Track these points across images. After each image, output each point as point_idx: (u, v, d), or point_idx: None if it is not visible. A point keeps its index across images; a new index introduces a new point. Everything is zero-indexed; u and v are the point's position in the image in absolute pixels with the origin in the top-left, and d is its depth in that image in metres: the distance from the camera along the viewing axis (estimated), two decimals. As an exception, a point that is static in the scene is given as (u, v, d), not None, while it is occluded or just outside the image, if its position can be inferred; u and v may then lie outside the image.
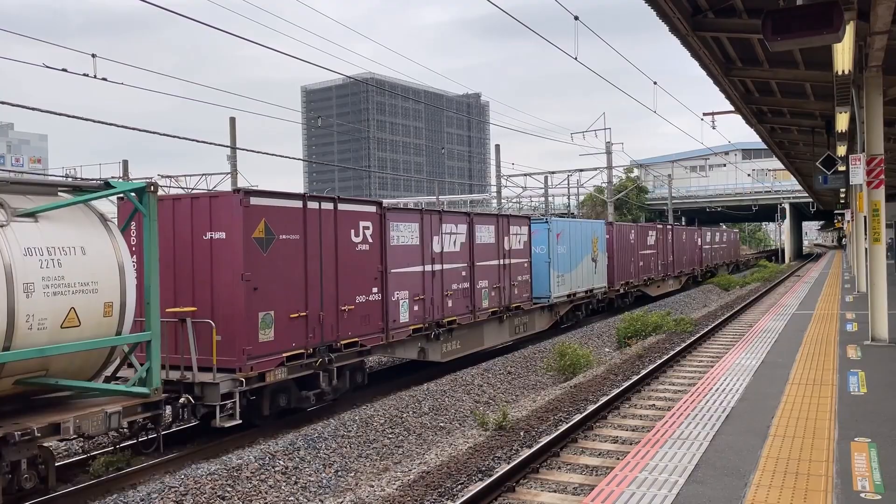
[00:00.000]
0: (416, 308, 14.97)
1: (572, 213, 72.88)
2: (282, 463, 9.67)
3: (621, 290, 28.42)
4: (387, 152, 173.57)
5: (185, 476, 8.91)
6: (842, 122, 15.23)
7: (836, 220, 60.42)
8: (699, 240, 42.67)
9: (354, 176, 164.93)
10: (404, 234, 14.68)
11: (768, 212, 70.71)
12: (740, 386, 9.95)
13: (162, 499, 8.25)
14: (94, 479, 9.54)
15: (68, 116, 14.73)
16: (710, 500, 5.64)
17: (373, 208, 13.75)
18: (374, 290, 13.75)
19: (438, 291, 15.73)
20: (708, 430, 7.69)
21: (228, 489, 8.77)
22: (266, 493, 8.97)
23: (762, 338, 14.62)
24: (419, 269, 15.16)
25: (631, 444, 9.66)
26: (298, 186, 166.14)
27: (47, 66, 13.45)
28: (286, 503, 8.89)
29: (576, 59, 14.24)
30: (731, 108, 18.46)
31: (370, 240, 13.60)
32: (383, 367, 17.79)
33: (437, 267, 15.77)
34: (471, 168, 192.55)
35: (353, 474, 9.98)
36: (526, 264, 19.97)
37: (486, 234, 17.83)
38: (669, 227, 36.30)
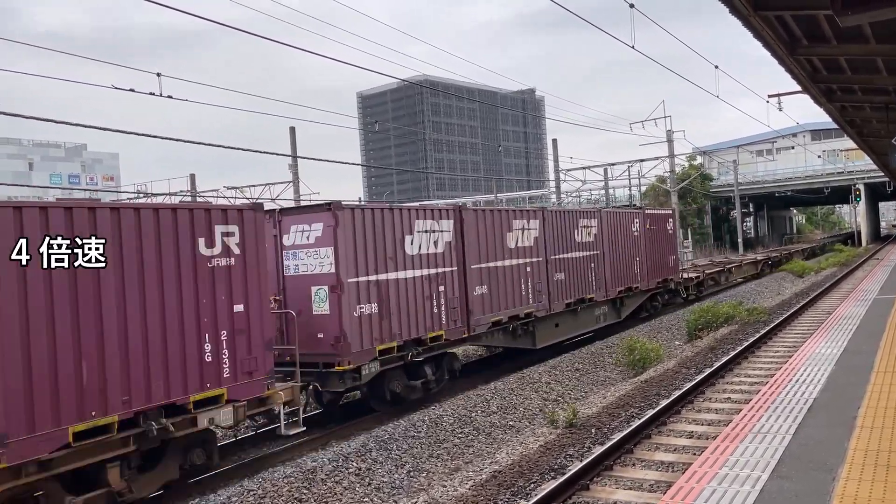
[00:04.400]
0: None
1: (635, 204, 71.73)
2: (355, 464, 9.79)
3: None
4: (443, 153, 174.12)
5: (262, 479, 9.13)
6: (919, 95, 14.45)
7: (915, 199, 57.37)
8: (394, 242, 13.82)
9: (412, 178, 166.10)
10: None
11: (842, 194, 67.79)
12: (822, 376, 9.57)
13: (241, 501, 8.46)
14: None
15: (137, 134, 15.31)
16: (797, 494, 5.44)
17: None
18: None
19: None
20: (790, 423, 7.42)
21: (304, 491, 8.94)
22: (341, 494, 9.10)
23: (842, 325, 14.04)
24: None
25: (707, 438, 9.40)
26: (358, 191, 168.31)
27: (116, 87, 14.03)
28: (361, 504, 9.00)
29: (633, 47, 13.96)
30: (799, 89, 17.72)
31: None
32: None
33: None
34: (528, 164, 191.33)
35: (424, 474, 10.03)
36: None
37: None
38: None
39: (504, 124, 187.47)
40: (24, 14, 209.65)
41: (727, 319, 20.16)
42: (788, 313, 20.35)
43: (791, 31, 13.06)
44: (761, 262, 36.75)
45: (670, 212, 26.73)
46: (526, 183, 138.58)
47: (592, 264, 19.68)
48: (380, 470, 9.85)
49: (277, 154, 23.59)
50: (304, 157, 24.40)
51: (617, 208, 25.05)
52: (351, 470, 9.65)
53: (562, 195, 48.01)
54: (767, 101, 28.26)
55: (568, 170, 47.76)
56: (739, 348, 15.21)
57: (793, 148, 66.02)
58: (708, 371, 13.11)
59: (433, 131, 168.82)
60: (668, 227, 25.21)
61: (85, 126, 14.82)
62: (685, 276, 26.21)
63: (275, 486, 8.90)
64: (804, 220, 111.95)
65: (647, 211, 23.96)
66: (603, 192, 70.15)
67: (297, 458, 10.29)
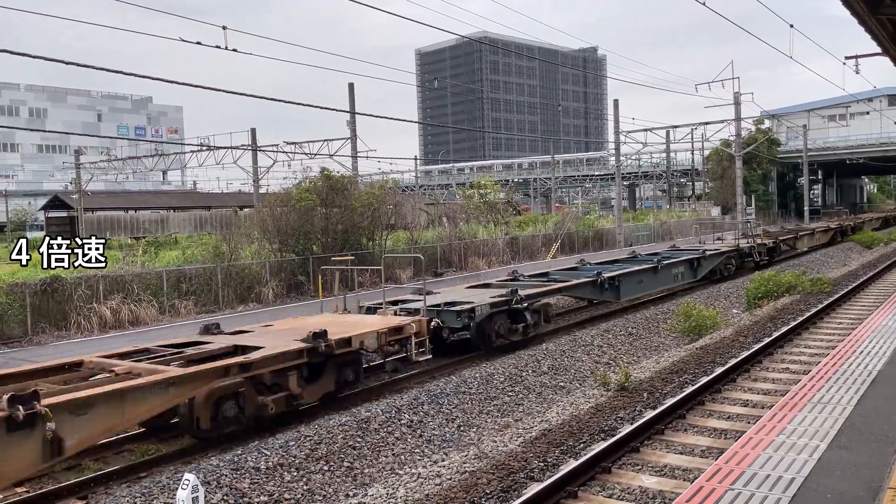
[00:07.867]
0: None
1: (696, 170, 69.74)
2: (407, 416, 10.00)
3: None
4: (500, 112, 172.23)
5: (318, 426, 9.41)
6: None
7: None
8: None
9: (468, 137, 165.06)
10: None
11: (919, 163, 64.49)
12: (888, 349, 9.28)
13: (298, 446, 8.77)
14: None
15: (203, 88, 15.58)
16: (856, 466, 5.34)
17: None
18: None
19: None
20: (851, 395, 7.24)
21: (358, 440, 9.19)
22: (393, 444, 9.33)
23: (912, 298, 13.53)
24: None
25: (763, 407, 9.27)
26: (414, 148, 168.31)
27: (183, 40, 14.25)
28: (412, 454, 9.21)
29: (703, 4, 13.44)
30: (879, 51, 16.83)
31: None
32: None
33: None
34: (587, 125, 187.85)
35: (475, 429, 10.18)
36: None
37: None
38: None
39: (564, 83, 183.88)
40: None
41: (789, 289, 19.64)
42: (854, 284, 19.72)
43: (875, -12, 12.33)
44: (834, 231, 35.97)
45: None
46: (584, 144, 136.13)
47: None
48: (431, 423, 10.04)
49: (335, 109, 23.72)
50: (361, 114, 24.53)
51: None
52: (403, 422, 9.86)
53: (621, 158, 46.87)
54: (844, 64, 26.79)
55: (628, 132, 46.55)
56: (801, 318, 14.85)
57: (868, 113, 62.95)
58: (767, 340, 12.86)
59: (491, 90, 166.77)
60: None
61: (154, 79, 15.17)
62: (758, 241, 26.43)
63: (329, 433, 9.17)
64: (876, 190, 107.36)
65: None
66: (664, 155, 68.51)
67: (352, 408, 10.56)
